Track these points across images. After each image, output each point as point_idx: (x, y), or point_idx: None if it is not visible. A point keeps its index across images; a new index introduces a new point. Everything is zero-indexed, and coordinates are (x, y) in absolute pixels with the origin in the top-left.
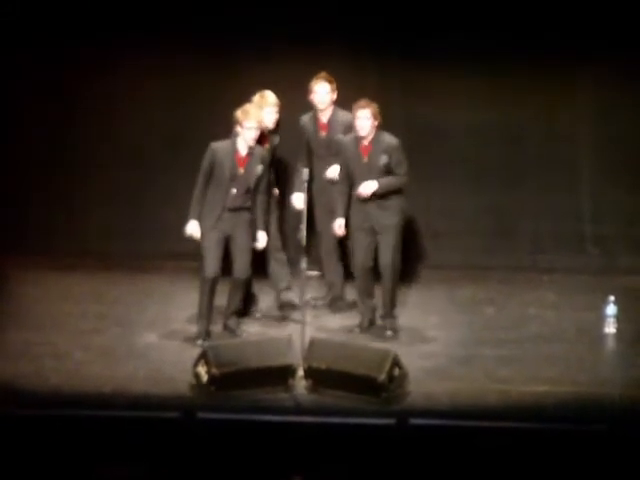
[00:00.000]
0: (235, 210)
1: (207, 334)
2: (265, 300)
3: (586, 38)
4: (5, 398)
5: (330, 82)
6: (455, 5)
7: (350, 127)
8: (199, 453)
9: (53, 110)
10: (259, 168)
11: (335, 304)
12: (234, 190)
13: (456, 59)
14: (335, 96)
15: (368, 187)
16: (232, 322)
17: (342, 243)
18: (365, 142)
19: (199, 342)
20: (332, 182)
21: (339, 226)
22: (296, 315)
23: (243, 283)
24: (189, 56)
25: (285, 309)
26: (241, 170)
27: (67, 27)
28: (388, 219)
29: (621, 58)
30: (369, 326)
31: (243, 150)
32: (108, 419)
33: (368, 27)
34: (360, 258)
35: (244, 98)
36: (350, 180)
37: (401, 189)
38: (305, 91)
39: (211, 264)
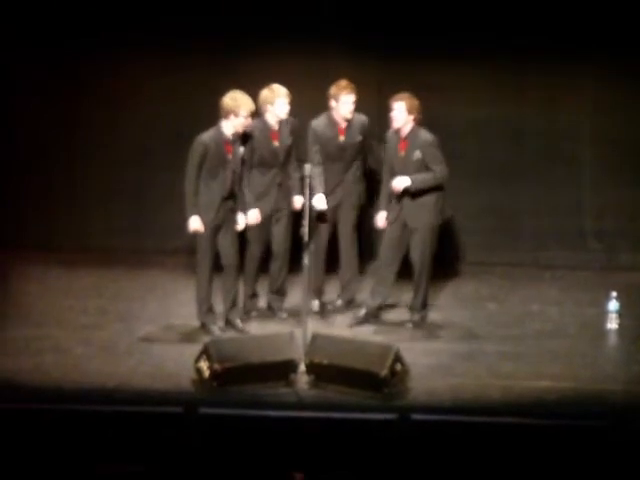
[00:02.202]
0: (227, 198)
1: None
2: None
3: (587, 35)
4: (6, 393)
5: (355, 92)
6: (457, 2)
7: (367, 126)
8: (201, 448)
9: (56, 107)
10: (241, 150)
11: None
12: (228, 177)
13: (457, 56)
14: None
15: (401, 182)
16: (232, 315)
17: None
18: (403, 136)
19: (218, 331)
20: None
21: (380, 218)
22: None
23: (236, 269)
24: (191, 55)
25: (275, 311)
26: (230, 156)
27: (69, 27)
28: (421, 217)
29: (621, 55)
30: (374, 317)
31: (230, 137)
32: (109, 414)
33: (369, 24)
34: (385, 249)
35: None
36: (391, 173)
37: (440, 187)
38: (306, 90)
39: (207, 257)
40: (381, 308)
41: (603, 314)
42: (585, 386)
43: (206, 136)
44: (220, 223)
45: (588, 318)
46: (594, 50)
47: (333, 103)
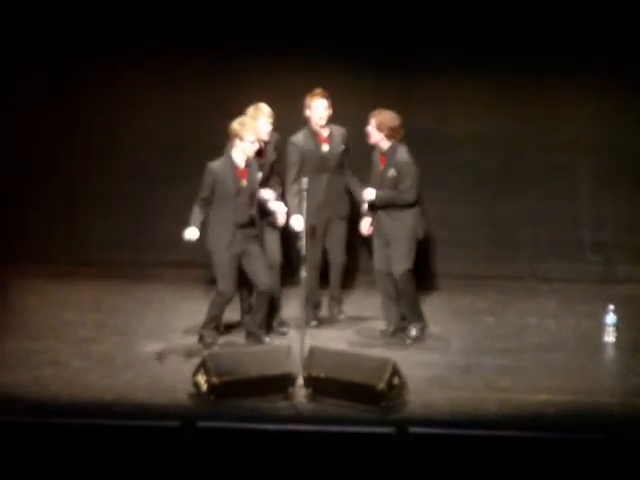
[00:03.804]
0: (244, 226)
1: (215, 343)
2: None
3: (586, 47)
4: (4, 406)
5: (327, 98)
6: (455, 15)
7: (347, 137)
8: (199, 462)
9: (54, 119)
10: (259, 176)
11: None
12: (242, 204)
13: (456, 68)
14: (331, 112)
15: (367, 194)
16: (260, 331)
17: None
18: (382, 151)
19: (215, 345)
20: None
21: (364, 225)
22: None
23: (270, 294)
24: (189, 67)
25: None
26: (244, 182)
27: (68, 37)
28: (396, 230)
29: (621, 67)
30: (394, 332)
31: (242, 163)
32: (107, 428)
33: (367, 37)
34: (376, 262)
35: (243, 109)
36: (371, 185)
37: (415, 202)
38: (304, 101)
39: (228, 284)
40: (404, 319)
41: (601, 327)
42: (583, 399)
43: (216, 164)
44: (240, 251)
45: (586, 331)
46: (593, 62)
47: (308, 112)
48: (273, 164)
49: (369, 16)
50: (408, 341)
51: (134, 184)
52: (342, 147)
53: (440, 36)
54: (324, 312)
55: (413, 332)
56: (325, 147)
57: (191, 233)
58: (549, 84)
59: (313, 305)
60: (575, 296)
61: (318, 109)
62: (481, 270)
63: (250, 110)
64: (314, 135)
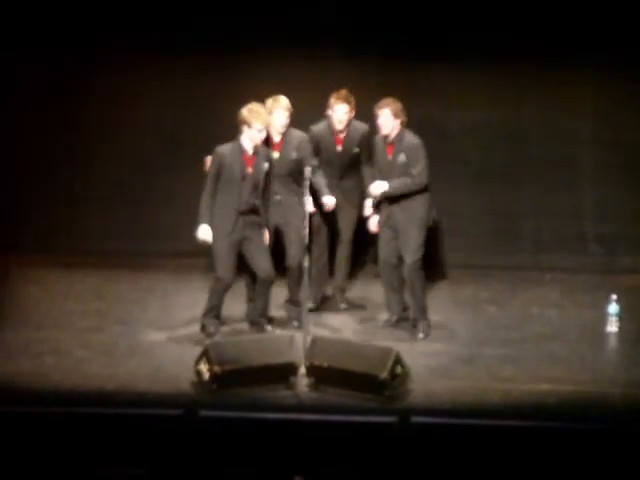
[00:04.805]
0: (246, 213)
1: (217, 332)
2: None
3: (587, 38)
4: (6, 395)
5: (349, 102)
6: (457, 5)
7: (366, 137)
8: (201, 451)
9: (54, 110)
10: (266, 165)
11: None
12: (245, 190)
13: (457, 59)
14: (353, 114)
15: (378, 187)
16: (262, 320)
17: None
18: (390, 140)
19: (217, 334)
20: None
21: (372, 223)
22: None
23: (271, 282)
24: (190, 58)
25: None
26: (250, 170)
27: (68, 29)
28: (407, 221)
29: (622, 58)
30: (397, 322)
31: (250, 149)
32: (109, 417)
33: (369, 28)
34: (382, 253)
35: (245, 99)
36: (379, 177)
37: (425, 190)
38: (306, 95)
39: (227, 270)
40: (406, 309)
41: (603, 317)
42: (585, 389)
43: (224, 148)
44: (240, 237)
45: (588, 321)
46: (594, 53)
47: (330, 111)
48: (293, 163)
49: (371, 8)
50: (420, 335)
51: (135, 174)
52: (356, 150)
53: (443, 28)
54: (326, 304)
55: (421, 335)
56: (339, 147)
57: (204, 233)
58: (551, 76)
59: (314, 291)
60: (577, 286)
61: (337, 113)
62: (484, 260)
63: (268, 102)
64: (332, 132)
